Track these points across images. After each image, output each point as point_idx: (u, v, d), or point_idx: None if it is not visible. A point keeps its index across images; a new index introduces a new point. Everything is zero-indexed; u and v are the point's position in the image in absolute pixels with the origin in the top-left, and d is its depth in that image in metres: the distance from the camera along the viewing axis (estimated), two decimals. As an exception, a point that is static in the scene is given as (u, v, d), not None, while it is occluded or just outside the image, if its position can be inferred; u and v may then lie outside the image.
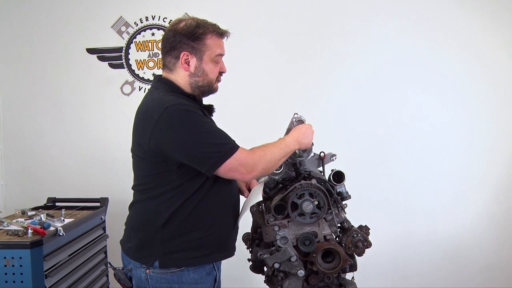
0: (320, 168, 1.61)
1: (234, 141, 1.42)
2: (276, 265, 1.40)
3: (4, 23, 2.88)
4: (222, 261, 1.59)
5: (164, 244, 1.45)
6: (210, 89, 1.55)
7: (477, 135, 2.76)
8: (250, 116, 2.78)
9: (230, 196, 1.54)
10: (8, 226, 1.99)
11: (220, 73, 1.57)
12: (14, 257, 1.77)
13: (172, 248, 1.45)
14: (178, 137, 1.37)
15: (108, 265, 1.62)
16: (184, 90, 1.52)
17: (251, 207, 1.49)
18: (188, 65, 1.50)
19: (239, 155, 1.38)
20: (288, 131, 1.57)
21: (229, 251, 1.56)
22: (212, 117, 1.59)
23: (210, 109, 1.59)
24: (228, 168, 1.38)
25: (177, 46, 1.49)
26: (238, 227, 1.59)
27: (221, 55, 1.55)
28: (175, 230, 1.44)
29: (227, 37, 1.56)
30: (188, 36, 1.48)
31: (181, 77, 1.52)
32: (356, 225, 1.54)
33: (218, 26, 1.54)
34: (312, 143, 1.52)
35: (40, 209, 2.35)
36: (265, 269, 1.59)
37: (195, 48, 1.49)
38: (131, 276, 1.51)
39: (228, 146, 1.38)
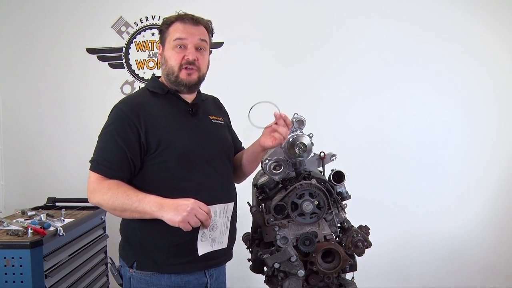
0: (320, 168, 1.60)
1: (105, 164, 1.41)
2: (276, 265, 1.39)
3: (4, 23, 2.88)
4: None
5: (141, 247, 1.46)
6: (176, 78, 1.49)
7: (477, 135, 2.76)
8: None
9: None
10: (8, 226, 1.99)
11: (188, 62, 1.47)
12: (14, 257, 1.77)
13: (148, 252, 1.45)
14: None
15: (109, 261, 1.63)
16: (165, 86, 1.53)
17: (250, 208, 1.48)
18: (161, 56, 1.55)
19: (91, 174, 1.43)
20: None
21: (214, 260, 1.51)
22: (199, 116, 1.54)
23: (194, 107, 1.54)
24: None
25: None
26: (232, 234, 1.53)
27: (181, 39, 1.47)
28: (149, 235, 1.44)
29: (203, 24, 1.53)
30: (159, 31, 1.57)
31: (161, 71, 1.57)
32: (356, 225, 1.53)
33: (185, 14, 1.53)
34: (312, 143, 1.52)
35: (40, 209, 2.35)
36: (265, 269, 1.59)
37: (162, 38, 1.54)
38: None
39: (93, 162, 1.44)
